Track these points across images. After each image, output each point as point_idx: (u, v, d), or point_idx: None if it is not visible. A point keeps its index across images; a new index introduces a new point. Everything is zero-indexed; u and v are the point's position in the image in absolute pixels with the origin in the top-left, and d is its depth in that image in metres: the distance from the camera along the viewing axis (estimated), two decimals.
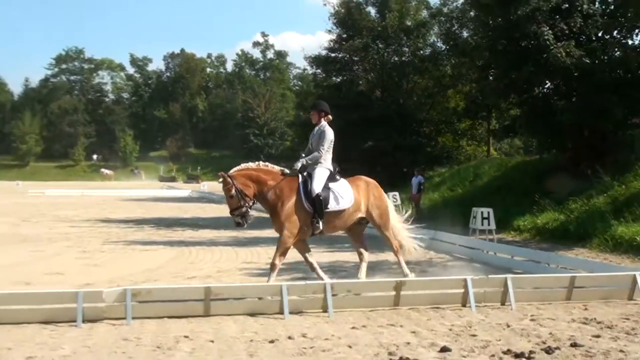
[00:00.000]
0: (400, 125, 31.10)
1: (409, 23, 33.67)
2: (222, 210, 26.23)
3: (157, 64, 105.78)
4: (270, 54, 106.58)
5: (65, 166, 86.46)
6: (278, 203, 8.43)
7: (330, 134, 8.77)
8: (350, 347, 5.88)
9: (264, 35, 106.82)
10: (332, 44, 34.41)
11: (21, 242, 14.82)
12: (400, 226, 9.28)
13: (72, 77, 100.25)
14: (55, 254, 13.01)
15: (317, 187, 8.48)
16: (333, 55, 34.50)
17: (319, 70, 35.91)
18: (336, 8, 34.25)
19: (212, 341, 6.18)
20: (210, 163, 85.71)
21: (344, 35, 34.07)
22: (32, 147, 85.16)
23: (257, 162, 8.84)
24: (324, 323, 6.85)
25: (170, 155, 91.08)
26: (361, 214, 8.83)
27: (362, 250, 8.93)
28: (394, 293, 7.55)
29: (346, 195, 8.66)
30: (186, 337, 6.31)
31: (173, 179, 72.77)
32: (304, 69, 67.29)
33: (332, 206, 8.54)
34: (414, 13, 34.28)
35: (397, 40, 33.45)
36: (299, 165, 8.58)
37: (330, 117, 8.95)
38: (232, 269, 11.07)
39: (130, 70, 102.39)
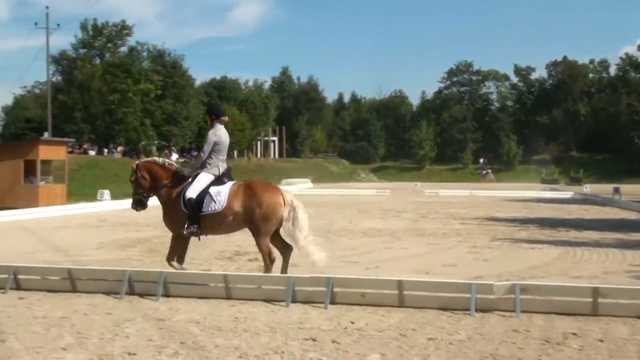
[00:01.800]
0: None
1: None
2: (606, 212, 24.51)
3: (539, 72, 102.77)
4: None
5: (455, 169, 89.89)
6: (166, 201, 8.53)
7: (211, 137, 8.37)
8: None
9: None
10: None
11: (420, 236, 15.72)
12: (300, 235, 8.16)
13: (461, 89, 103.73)
14: (449, 248, 13.53)
15: (190, 191, 8.27)
16: None
17: None
18: None
19: (601, 340, 5.80)
20: (592, 166, 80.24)
21: None
22: (427, 151, 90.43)
23: (163, 160, 9.03)
24: None
25: (552, 158, 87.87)
26: (241, 217, 8.25)
27: (284, 250, 8.42)
28: None
29: (220, 199, 8.23)
30: (574, 334, 6.05)
31: (555, 181, 70.01)
32: None
33: (206, 209, 8.23)
34: None
35: None
36: (188, 168, 8.65)
37: (224, 118, 8.57)
38: (619, 271, 10.19)
39: (514, 79, 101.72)
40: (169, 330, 6.32)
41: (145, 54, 65.78)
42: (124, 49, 65.17)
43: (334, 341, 5.89)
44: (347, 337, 6.06)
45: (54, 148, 27.76)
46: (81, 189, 33.50)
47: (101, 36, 64.06)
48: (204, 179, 8.40)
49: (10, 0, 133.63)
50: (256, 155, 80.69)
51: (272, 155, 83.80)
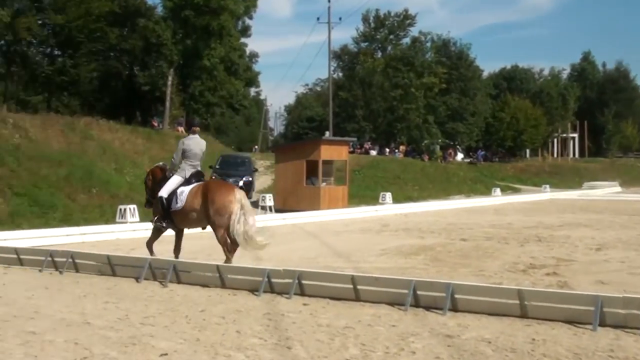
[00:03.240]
0: None
1: None
2: None
3: None
4: None
5: None
6: (153, 199, 11.07)
7: (179, 145, 10.92)
8: None
9: None
10: None
11: None
12: (238, 227, 10.13)
13: None
14: None
15: (162, 191, 10.71)
16: None
17: None
18: None
19: None
20: None
21: None
22: None
23: (164, 164, 11.47)
24: None
25: None
26: (201, 213, 10.39)
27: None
28: None
29: (182, 198, 10.47)
30: None
31: None
32: None
33: (173, 206, 10.58)
34: None
35: None
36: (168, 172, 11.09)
37: (195, 129, 11.17)
38: None
39: None
40: (458, 349, 6.35)
41: (428, 44, 67.04)
42: (406, 40, 67.31)
43: None
44: None
45: (335, 148, 29.42)
46: (362, 191, 35.40)
47: (383, 27, 66.93)
48: (173, 180, 10.82)
49: None
50: (552, 155, 77.38)
51: (571, 155, 79.71)
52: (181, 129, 42.11)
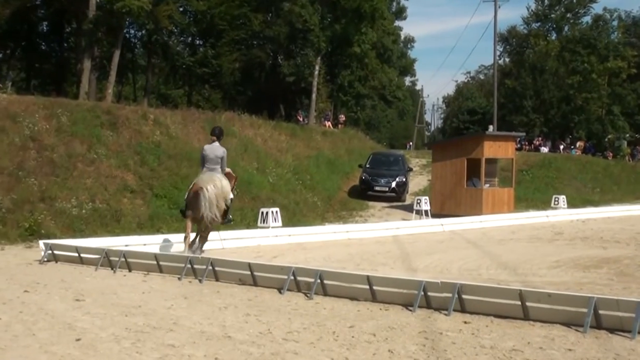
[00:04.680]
0: None
1: None
2: None
3: None
4: None
5: None
6: None
7: (201, 152, 14.73)
8: None
9: None
10: None
11: None
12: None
13: None
14: None
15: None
16: None
17: None
18: None
19: None
20: None
21: None
22: None
23: None
24: None
25: None
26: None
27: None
28: None
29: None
30: None
31: None
32: None
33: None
34: None
35: None
36: None
37: (212, 137, 14.38)
38: None
39: None
40: None
41: (614, 22, 64.23)
42: (586, 19, 64.82)
43: None
44: None
45: (500, 144, 28.81)
46: (531, 194, 34.47)
47: (559, 5, 64.85)
48: (195, 180, 14.14)
49: None
50: None
51: None
52: (328, 123, 42.81)
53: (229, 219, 14.34)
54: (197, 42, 50.17)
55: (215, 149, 13.98)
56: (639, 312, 7.60)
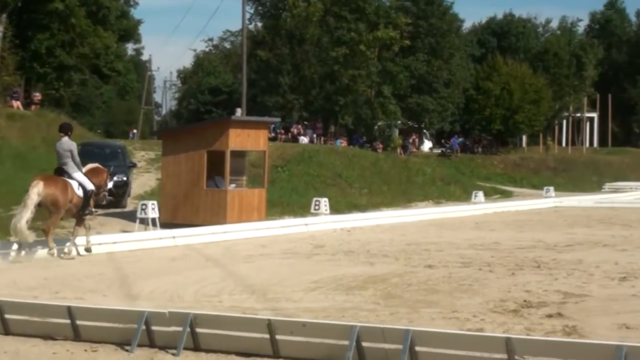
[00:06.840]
0: None
1: None
2: None
3: None
4: None
5: None
6: None
7: None
8: None
9: None
10: None
11: None
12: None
13: None
14: None
15: None
16: None
17: None
18: None
19: None
20: None
21: None
22: None
23: None
24: None
25: None
26: None
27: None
28: None
29: None
30: None
31: None
32: None
33: None
34: None
35: None
36: None
37: (60, 134, 18.64)
38: None
39: None
40: None
41: None
42: None
43: None
44: None
45: (250, 133, 28.74)
46: (287, 196, 35.18)
47: None
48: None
49: None
50: (559, 143, 78.49)
51: (587, 143, 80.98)
52: (17, 103, 41.06)
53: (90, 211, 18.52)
54: None
55: (62, 144, 18.06)
56: (406, 343, 8.03)
